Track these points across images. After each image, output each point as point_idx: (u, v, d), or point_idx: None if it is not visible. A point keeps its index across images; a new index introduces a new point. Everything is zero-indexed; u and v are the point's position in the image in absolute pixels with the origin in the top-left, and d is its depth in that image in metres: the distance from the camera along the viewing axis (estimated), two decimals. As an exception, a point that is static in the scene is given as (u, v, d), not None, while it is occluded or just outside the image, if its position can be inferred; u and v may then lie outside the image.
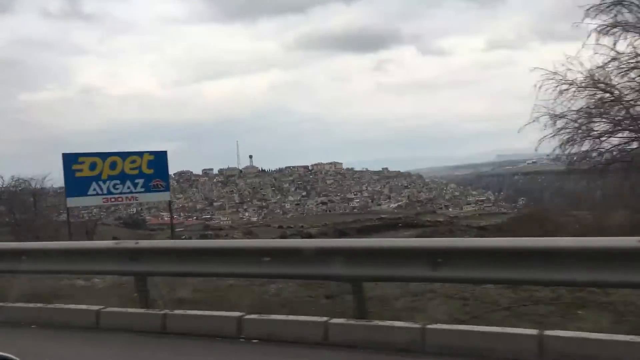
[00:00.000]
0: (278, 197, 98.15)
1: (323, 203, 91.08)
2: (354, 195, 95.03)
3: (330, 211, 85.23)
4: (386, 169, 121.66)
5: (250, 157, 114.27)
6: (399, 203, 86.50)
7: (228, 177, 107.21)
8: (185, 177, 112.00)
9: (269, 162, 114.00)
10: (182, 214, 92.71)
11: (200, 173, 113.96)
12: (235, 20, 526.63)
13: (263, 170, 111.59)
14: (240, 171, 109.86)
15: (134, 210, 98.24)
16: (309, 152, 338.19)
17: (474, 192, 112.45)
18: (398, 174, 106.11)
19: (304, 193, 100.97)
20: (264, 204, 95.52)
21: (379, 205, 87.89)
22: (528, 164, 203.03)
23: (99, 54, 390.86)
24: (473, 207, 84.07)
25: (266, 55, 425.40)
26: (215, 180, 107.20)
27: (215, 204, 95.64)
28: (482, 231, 28.87)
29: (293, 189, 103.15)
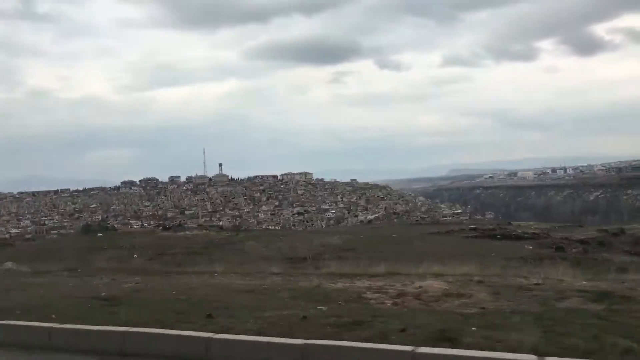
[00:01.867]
0: (251, 207, 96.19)
1: (299, 213, 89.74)
2: (329, 206, 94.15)
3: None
4: (355, 180, 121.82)
5: (220, 165, 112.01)
6: (376, 214, 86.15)
7: (197, 185, 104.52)
8: (152, 184, 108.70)
9: (230, 170, 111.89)
10: (152, 222, 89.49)
11: (167, 180, 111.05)
12: (195, 28, 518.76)
13: (233, 179, 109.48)
14: (210, 179, 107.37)
15: (99, 217, 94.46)
16: (268, 161, 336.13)
17: (442, 205, 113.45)
18: (373, 186, 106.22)
19: (277, 203, 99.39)
20: (236, 213, 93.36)
21: (356, 216, 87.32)
22: (485, 178, 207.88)
23: (52, 56, 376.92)
24: (450, 219, 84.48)
25: (225, 64, 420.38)
26: (184, 187, 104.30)
27: (187, 212, 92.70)
28: (585, 245, 28.17)
29: (265, 199, 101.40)
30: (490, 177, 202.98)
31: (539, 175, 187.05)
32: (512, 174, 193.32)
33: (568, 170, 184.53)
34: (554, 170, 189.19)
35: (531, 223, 48.46)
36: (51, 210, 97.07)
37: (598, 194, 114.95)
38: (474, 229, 31.02)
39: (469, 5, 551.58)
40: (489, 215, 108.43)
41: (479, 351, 4.80)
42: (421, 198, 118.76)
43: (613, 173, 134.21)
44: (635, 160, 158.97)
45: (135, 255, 23.15)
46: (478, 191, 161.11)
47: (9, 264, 15.72)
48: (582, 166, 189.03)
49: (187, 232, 47.74)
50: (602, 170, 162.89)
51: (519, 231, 33.11)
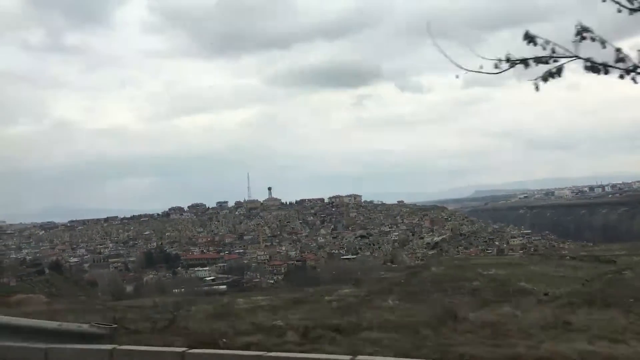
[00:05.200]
0: (309, 231, 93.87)
1: (362, 236, 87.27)
2: (389, 228, 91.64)
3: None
4: (402, 201, 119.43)
5: (269, 189, 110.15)
6: (443, 236, 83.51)
7: (250, 209, 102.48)
8: (201, 209, 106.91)
9: (257, 195, 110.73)
10: (210, 249, 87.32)
11: (215, 205, 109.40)
12: (218, 56, 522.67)
13: (283, 203, 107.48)
14: (261, 203, 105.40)
15: (154, 244, 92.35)
16: (290, 186, 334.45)
17: (495, 226, 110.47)
18: (433, 207, 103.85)
19: (332, 226, 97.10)
20: (295, 237, 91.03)
21: (422, 238, 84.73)
22: (520, 198, 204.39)
23: (78, 87, 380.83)
24: (521, 240, 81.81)
25: (246, 91, 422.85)
26: (237, 212, 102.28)
27: (245, 237, 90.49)
28: None
29: (319, 222, 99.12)
30: (525, 196, 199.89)
31: (577, 193, 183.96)
32: (550, 193, 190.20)
33: (606, 188, 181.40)
34: (591, 188, 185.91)
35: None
36: (104, 239, 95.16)
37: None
38: None
39: (490, 26, 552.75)
40: (546, 234, 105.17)
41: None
42: (473, 219, 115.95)
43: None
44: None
45: None
46: (522, 211, 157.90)
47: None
48: (619, 184, 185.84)
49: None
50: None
51: None
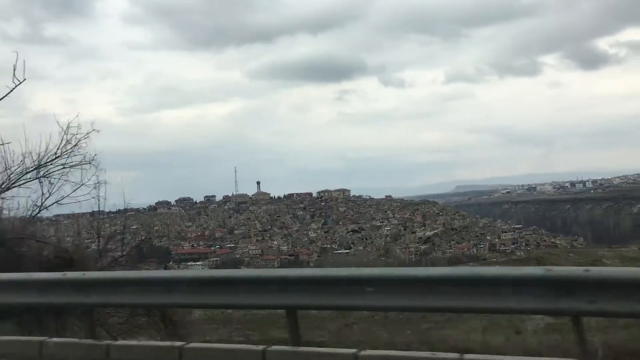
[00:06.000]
0: (299, 225, 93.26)
1: (354, 231, 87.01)
2: (381, 222, 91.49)
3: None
4: (390, 196, 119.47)
5: (258, 183, 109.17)
6: (435, 231, 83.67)
7: (239, 203, 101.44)
8: (189, 203, 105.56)
9: (244, 189, 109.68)
10: (200, 243, 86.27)
11: (202, 199, 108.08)
12: (202, 49, 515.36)
13: (272, 197, 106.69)
14: (251, 198, 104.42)
15: (142, 237, 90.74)
16: (274, 180, 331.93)
17: (483, 220, 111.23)
18: (424, 201, 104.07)
19: (322, 221, 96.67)
20: (285, 231, 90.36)
21: (413, 232, 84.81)
22: (503, 194, 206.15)
23: (58, 80, 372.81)
24: (511, 234, 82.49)
25: (229, 85, 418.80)
26: (226, 207, 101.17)
27: (235, 231, 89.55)
28: None
29: (309, 217, 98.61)
30: (507, 192, 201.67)
31: (558, 189, 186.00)
32: (532, 189, 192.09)
33: (587, 184, 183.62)
34: (572, 184, 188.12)
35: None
36: (90, 232, 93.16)
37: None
38: None
39: (474, 22, 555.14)
40: (533, 228, 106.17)
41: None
42: (463, 213, 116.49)
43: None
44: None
45: None
46: (506, 206, 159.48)
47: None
48: (599, 179, 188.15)
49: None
50: (624, 181, 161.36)
51: None
